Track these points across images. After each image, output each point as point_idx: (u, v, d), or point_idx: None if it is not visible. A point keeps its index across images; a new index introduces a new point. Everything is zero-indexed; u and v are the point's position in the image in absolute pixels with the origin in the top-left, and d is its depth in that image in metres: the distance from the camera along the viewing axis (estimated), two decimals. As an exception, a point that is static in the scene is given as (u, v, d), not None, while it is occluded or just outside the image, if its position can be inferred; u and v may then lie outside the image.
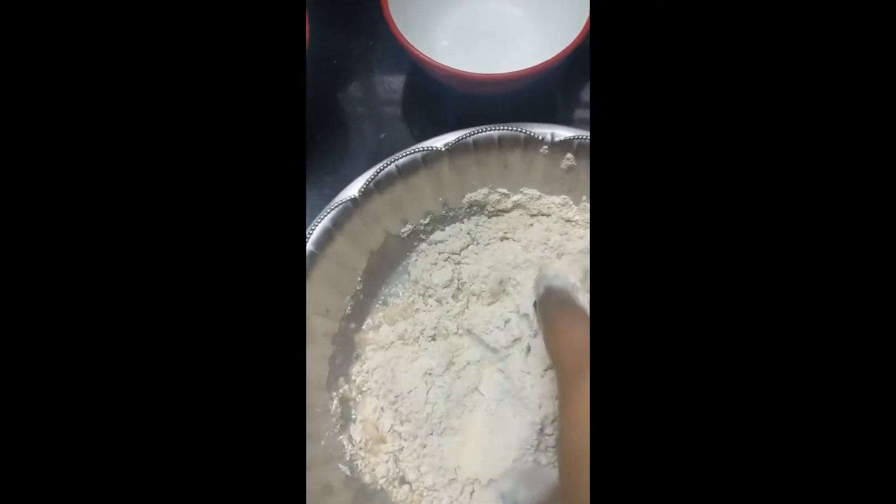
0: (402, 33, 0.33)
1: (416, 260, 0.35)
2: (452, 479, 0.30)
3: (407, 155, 0.32)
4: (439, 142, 0.32)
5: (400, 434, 0.32)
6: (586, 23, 0.33)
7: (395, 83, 0.42)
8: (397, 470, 0.31)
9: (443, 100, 0.40)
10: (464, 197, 0.35)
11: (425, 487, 0.30)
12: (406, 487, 0.31)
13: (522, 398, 0.31)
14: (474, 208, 0.35)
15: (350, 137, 0.41)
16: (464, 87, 0.36)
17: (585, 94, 0.42)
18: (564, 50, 0.33)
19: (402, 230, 0.34)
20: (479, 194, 0.35)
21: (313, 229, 0.31)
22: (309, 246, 0.31)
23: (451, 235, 0.36)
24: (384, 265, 0.35)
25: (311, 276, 0.31)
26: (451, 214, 0.35)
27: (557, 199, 0.35)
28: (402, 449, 0.31)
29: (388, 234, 0.34)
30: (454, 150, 0.32)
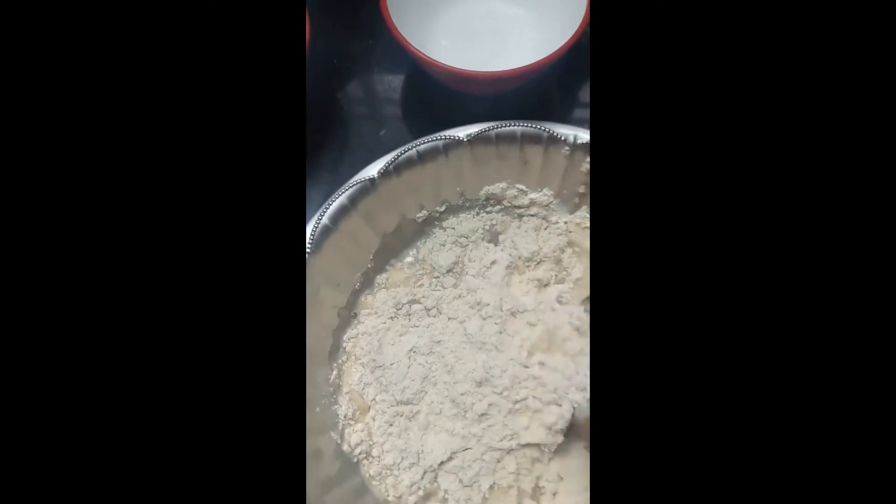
0: (401, 33, 0.34)
1: (425, 241, 0.36)
2: (413, 463, 0.31)
3: (429, 142, 0.32)
4: (461, 132, 0.32)
5: (377, 406, 0.33)
6: (583, 20, 0.34)
7: (394, 82, 0.43)
8: (370, 442, 0.32)
9: (441, 98, 0.40)
10: (481, 189, 0.35)
11: (384, 465, 0.31)
12: (375, 462, 0.32)
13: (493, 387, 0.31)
14: (491, 201, 0.36)
15: (350, 136, 0.41)
16: (462, 85, 0.36)
17: (583, 94, 0.42)
18: (561, 47, 0.33)
19: (418, 215, 0.35)
20: (496, 188, 0.35)
21: (330, 204, 0.32)
22: (324, 219, 0.32)
23: (465, 222, 0.36)
24: (396, 246, 0.36)
25: (323, 249, 0.32)
26: (467, 205, 0.36)
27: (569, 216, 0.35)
28: (375, 421, 0.32)
29: (403, 218, 0.35)
30: (475, 141, 0.33)
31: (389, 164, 0.32)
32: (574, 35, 0.33)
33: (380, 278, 0.36)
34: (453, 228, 0.36)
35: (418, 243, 0.36)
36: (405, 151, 0.32)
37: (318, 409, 0.32)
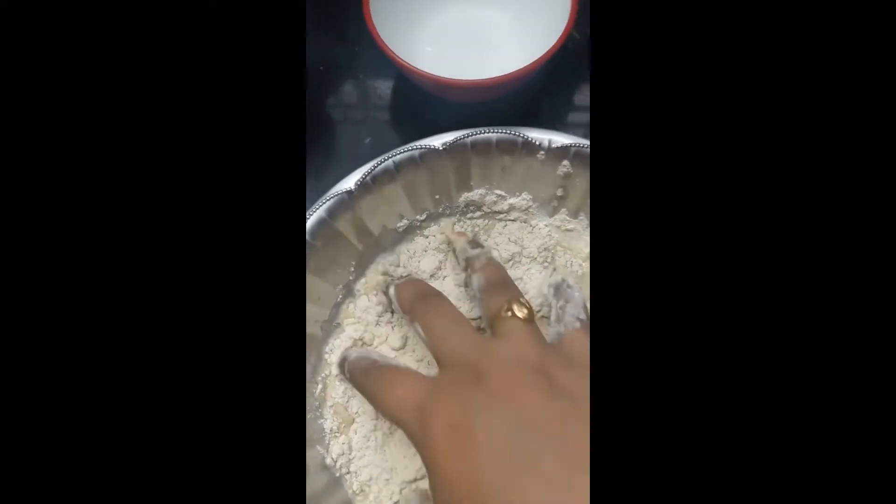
0: (385, 41, 0.34)
1: (406, 247, 0.36)
2: (388, 480, 0.31)
3: (404, 152, 0.32)
4: (437, 140, 0.32)
5: (359, 418, 0.33)
6: (567, 25, 0.34)
7: (381, 88, 0.43)
8: (350, 456, 0.32)
9: (428, 105, 0.40)
10: (461, 196, 0.35)
11: (361, 481, 0.31)
12: (355, 477, 0.32)
13: None
14: (471, 207, 0.36)
15: (336, 142, 0.41)
16: (447, 93, 0.36)
17: (572, 98, 0.42)
18: (545, 53, 0.33)
19: (398, 224, 0.35)
20: (475, 194, 0.35)
21: (307, 218, 0.32)
22: (305, 235, 0.31)
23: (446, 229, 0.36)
24: (376, 251, 0.36)
25: (308, 266, 0.32)
26: (447, 212, 0.36)
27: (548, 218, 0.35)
28: (356, 434, 0.32)
29: (384, 228, 0.35)
30: (452, 149, 0.33)
31: (366, 176, 0.32)
32: (559, 40, 0.33)
33: (359, 284, 0.35)
34: (434, 237, 0.36)
35: (399, 248, 0.36)
36: (381, 163, 0.32)
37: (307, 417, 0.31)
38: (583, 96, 0.42)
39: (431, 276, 0.35)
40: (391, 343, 0.34)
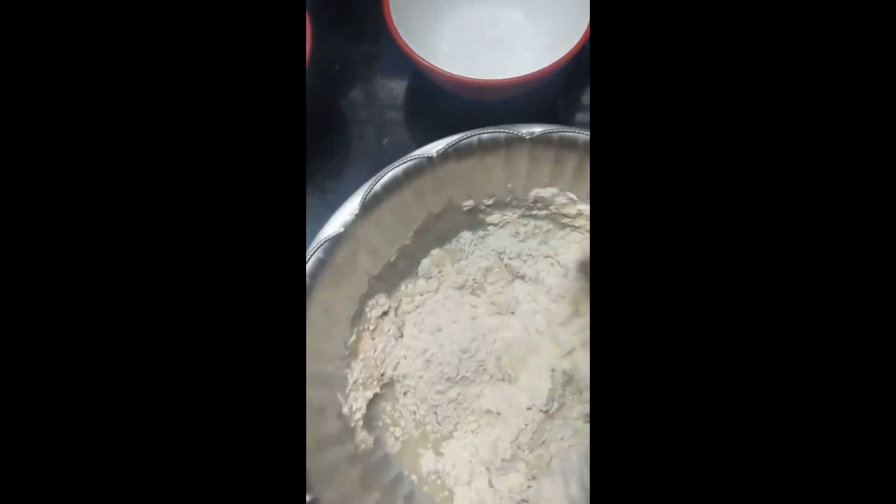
0: (404, 40, 0.34)
1: (468, 234, 0.36)
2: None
3: (492, 132, 0.33)
4: (523, 129, 0.33)
5: (386, 381, 0.33)
6: (587, 28, 0.34)
7: (396, 88, 0.44)
8: (365, 414, 0.32)
9: (444, 105, 0.41)
10: (532, 190, 0.35)
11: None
12: (365, 434, 0.32)
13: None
14: (538, 204, 0.36)
15: (352, 142, 0.42)
16: (465, 92, 0.37)
17: (587, 98, 0.42)
18: (565, 55, 0.33)
19: (465, 203, 0.35)
20: (547, 192, 0.35)
21: (385, 174, 0.32)
22: (377, 187, 0.32)
23: (508, 225, 0.37)
24: (435, 233, 0.36)
25: (371, 215, 0.32)
26: (514, 203, 0.36)
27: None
28: (375, 396, 0.33)
29: (450, 203, 0.35)
30: (536, 141, 0.33)
31: (449, 147, 0.33)
32: (579, 42, 0.34)
33: (420, 267, 0.36)
34: (495, 224, 0.36)
35: (462, 234, 0.36)
36: (467, 137, 0.33)
37: (331, 367, 0.32)
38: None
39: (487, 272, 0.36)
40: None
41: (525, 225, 0.37)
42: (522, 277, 0.36)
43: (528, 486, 0.32)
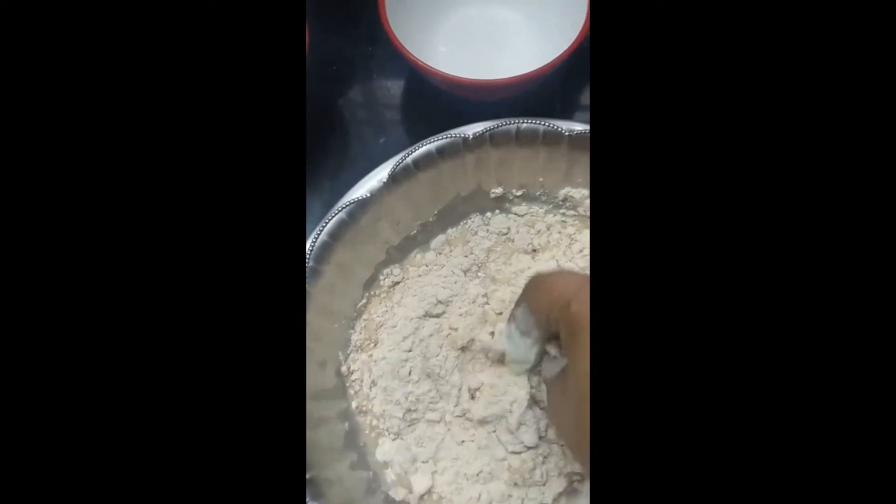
0: (401, 40, 0.34)
1: (497, 218, 0.37)
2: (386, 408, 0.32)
3: (530, 123, 0.33)
4: (563, 125, 0.33)
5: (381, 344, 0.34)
6: (583, 27, 0.33)
7: (394, 88, 0.43)
8: (360, 375, 0.33)
9: (442, 105, 0.40)
10: (563, 188, 0.35)
11: (361, 397, 0.33)
12: (361, 388, 0.33)
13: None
14: (567, 203, 0.36)
15: (350, 142, 0.42)
16: (462, 92, 0.37)
17: (584, 98, 0.41)
18: (561, 55, 0.33)
19: (494, 190, 0.36)
20: (578, 192, 0.35)
21: (419, 147, 0.33)
22: (408, 160, 0.33)
23: (537, 220, 0.37)
24: (460, 214, 0.36)
25: (400, 187, 0.33)
26: (542, 198, 0.36)
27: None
28: (370, 357, 0.33)
29: (479, 187, 0.35)
30: (575, 139, 0.33)
31: (486, 131, 0.33)
32: (575, 41, 0.33)
33: (435, 241, 0.36)
34: (521, 216, 0.36)
35: (492, 218, 0.37)
36: (505, 124, 0.33)
37: (336, 325, 0.33)
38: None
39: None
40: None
41: (549, 222, 0.37)
42: (533, 252, 0.36)
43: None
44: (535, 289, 0.27)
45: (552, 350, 0.28)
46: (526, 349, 0.28)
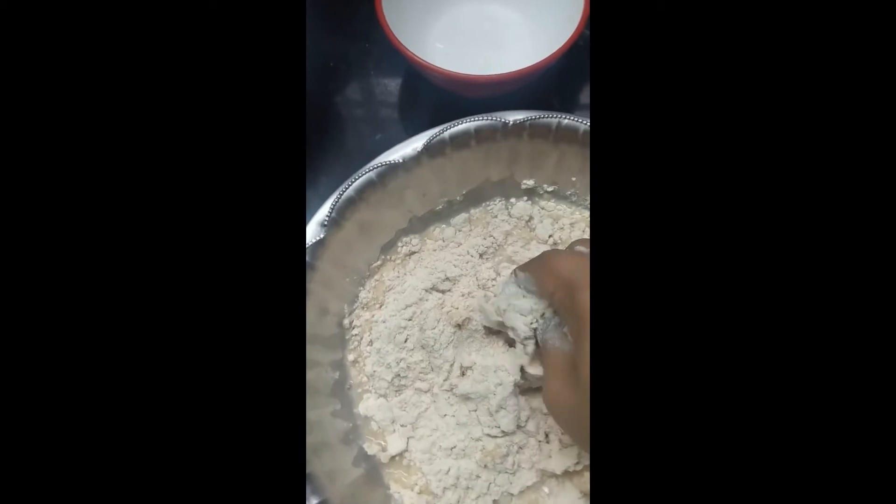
0: (397, 36, 0.34)
1: (520, 204, 0.37)
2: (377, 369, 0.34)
3: (572, 120, 0.33)
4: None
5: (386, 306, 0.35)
6: (580, 23, 0.33)
7: (391, 85, 0.43)
8: (360, 332, 0.34)
9: (439, 101, 0.40)
10: (574, 185, 0.35)
11: (357, 353, 0.34)
12: (352, 352, 0.34)
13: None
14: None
15: (347, 139, 0.42)
16: (459, 89, 0.37)
17: (583, 97, 0.41)
18: (558, 50, 0.33)
19: (525, 181, 0.36)
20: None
21: (456, 125, 0.33)
22: (445, 134, 0.33)
23: (562, 217, 0.37)
24: (488, 197, 0.37)
25: (432, 160, 0.34)
26: (573, 198, 0.36)
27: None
28: (373, 317, 0.34)
29: (511, 177, 0.36)
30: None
31: (527, 120, 0.33)
32: (571, 37, 0.33)
33: (457, 218, 0.37)
34: (545, 210, 0.36)
35: (518, 204, 0.37)
36: (546, 117, 0.33)
37: (347, 280, 0.34)
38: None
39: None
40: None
41: (574, 219, 0.37)
42: (553, 245, 0.36)
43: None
44: (544, 264, 0.26)
45: (551, 315, 0.27)
46: (524, 301, 0.28)
